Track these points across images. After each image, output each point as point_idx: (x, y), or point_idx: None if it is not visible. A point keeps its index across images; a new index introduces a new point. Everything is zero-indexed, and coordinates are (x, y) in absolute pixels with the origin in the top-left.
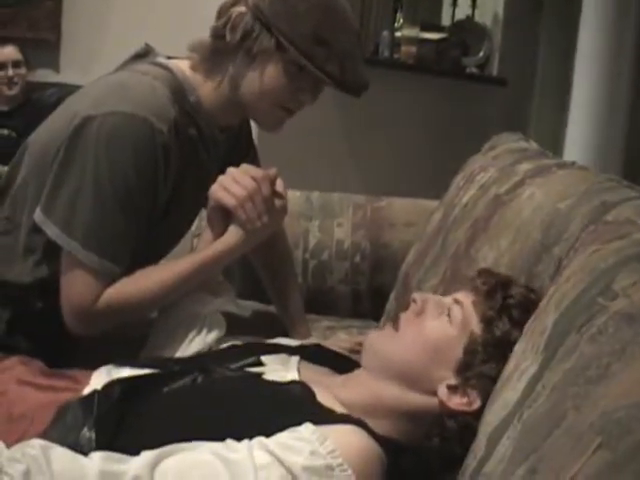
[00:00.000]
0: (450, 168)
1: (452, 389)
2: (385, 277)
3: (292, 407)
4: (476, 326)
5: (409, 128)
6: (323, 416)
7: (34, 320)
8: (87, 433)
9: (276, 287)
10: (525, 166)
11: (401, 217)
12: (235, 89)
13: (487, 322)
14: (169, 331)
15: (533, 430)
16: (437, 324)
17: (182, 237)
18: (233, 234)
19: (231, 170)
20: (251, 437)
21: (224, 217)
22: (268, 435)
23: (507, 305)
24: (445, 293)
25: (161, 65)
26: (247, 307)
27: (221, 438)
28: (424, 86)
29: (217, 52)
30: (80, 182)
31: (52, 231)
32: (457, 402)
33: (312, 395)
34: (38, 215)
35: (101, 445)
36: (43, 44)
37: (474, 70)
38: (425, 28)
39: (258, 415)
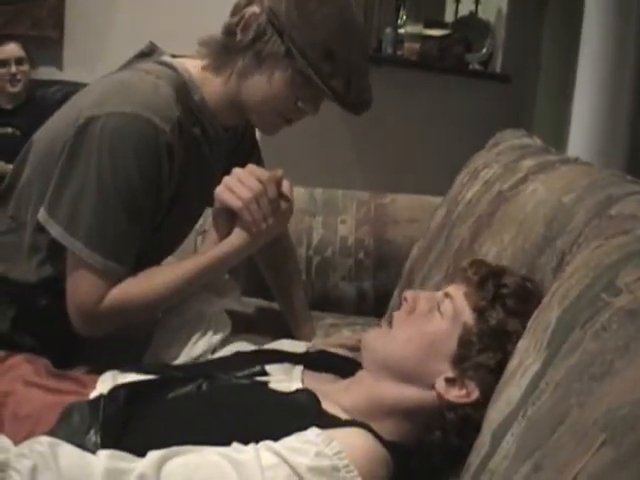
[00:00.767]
0: (454, 164)
1: (450, 382)
2: (389, 274)
3: (298, 414)
4: (469, 317)
5: (412, 125)
6: (329, 421)
7: (39, 318)
8: (93, 437)
9: (280, 285)
10: (529, 162)
11: (405, 213)
12: (239, 88)
13: (480, 312)
14: (174, 331)
15: (537, 427)
16: (430, 319)
17: (186, 236)
18: (238, 236)
19: (237, 171)
20: (257, 442)
21: (230, 218)
22: (274, 440)
23: (500, 294)
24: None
25: (165, 64)
26: (252, 305)
27: (226, 444)
28: (427, 83)
29: (227, 49)
30: (83, 182)
31: (56, 231)
32: (455, 394)
33: (317, 402)
34: (42, 215)
35: (106, 448)
36: (46, 42)
37: (477, 67)
38: (428, 25)
39: (264, 422)
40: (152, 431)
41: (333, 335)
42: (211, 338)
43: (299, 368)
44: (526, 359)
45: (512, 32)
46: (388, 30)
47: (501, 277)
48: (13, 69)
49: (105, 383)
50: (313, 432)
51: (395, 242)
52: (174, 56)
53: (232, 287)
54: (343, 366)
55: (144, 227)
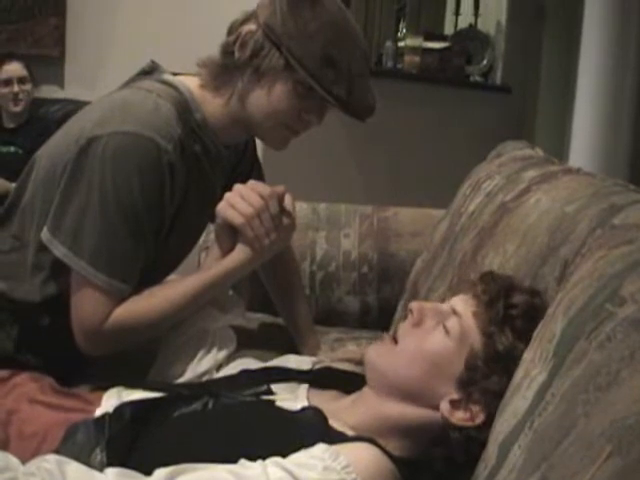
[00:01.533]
0: (456, 177)
1: (455, 404)
2: (393, 287)
3: (305, 431)
4: (477, 340)
5: (414, 137)
6: (335, 437)
7: (42, 337)
8: (99, 455)
9: (283, 300)
10: (531, 173)
11: (408, 227)
12: (242, 106)
13: (488, 336)
14: (179, 348)
15: (544, 438)
16: (435, 337)
17: (188, 253)
18: (241, 252)
19: (238, 187)
20: (264, 460)
21: (232, 234)
22: (282, 458)
23: (509, 316)
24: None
25: (166, 82)
26: (256, 320)
27: (233, 462)
28: (428, 95)
29: (226, 68)
30: (86, 202)
31: (60, 251)
32: (460, 417)
33: (324, 419)
34: (45, 235)
35: (112, 466)
36: (47, 60)
37: (478, 78)
38: (428, 37)
39: (271, 439)
40: (158, 449)
41: (338, 349)
42: (216, 354)
43: (304, 387)
44: (532, 370)
45: (512, 44)
46: (388, 43)
47: (511, 296)
48: (16, 88)
49: (110, 400)
50: (320, 448)
51: (398, 255)
52: (175, 74)
53: (236, 303)
54: (348, 382)
55: (147, 245)
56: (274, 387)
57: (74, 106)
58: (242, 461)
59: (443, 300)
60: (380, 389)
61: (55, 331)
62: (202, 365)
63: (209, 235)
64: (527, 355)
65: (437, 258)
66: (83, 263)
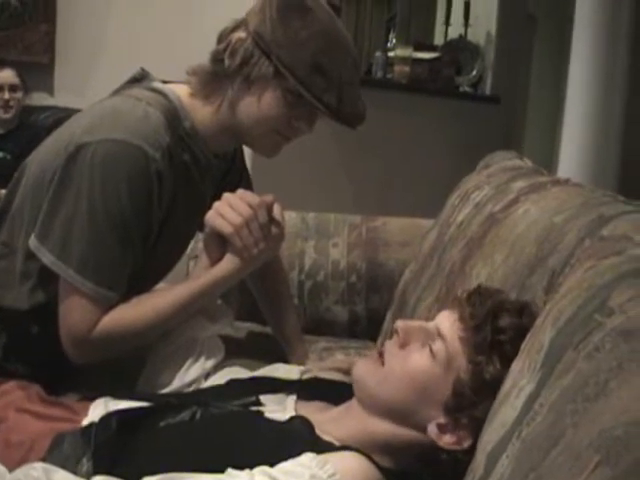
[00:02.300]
0: (445, 187)
1: (442, 428)
2: (381, 297)
3: (293, 441)
4: (463, 367)
5: (403, 147)
6: (323, 446)
7: (30, 345)
8: (85, 464)
9: (272, 309)
10: (520, 184)
11: (396, 236)
12: (232, 114)
13: (475, 364)
14: (167, 357)
15: (532, 448)
16: (422, 361)
17: (177, 261)
18: (229, 262)
19: (227, 196)
20: (252, 469)
21: (221, 243)
22: (269, 467)
23: (497, 341)
24: (439, 312)
25: (156, 90)
26: (245, 329)
27: (221, 471)
28: (418, 105)
29: (216, 76)
30: (74, 209)
31: (47, 258)
32: (447, 441)
33: (312, 428)
34: (33, 242)
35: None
36: (37, 67)
37: (467, 89)
38: (418, 48)
39: (259, 449)
40: (145, 459)
41: (326, 359)
42: (204, 363)
43: (292, 398)
44: (520, 380)
45: (501, 54)
46: (378, 53)
47: (499, 318)
48: (6, 95)
49: (97, 410)
50: (307, 456)
51: (387, 265)
52: (165, 82)
53: (224, 312)
54: (336, 392)
55: (135, 253)
56: (262, 398)
57: (64, 113)
58: (229, 470)
59: (431, 310)
60: (367, 406)
61: (43, 339)
62: (190, 374)
63: (198, 244)
64: (515, 366)
65: (426, 268)
66: (71, 271)
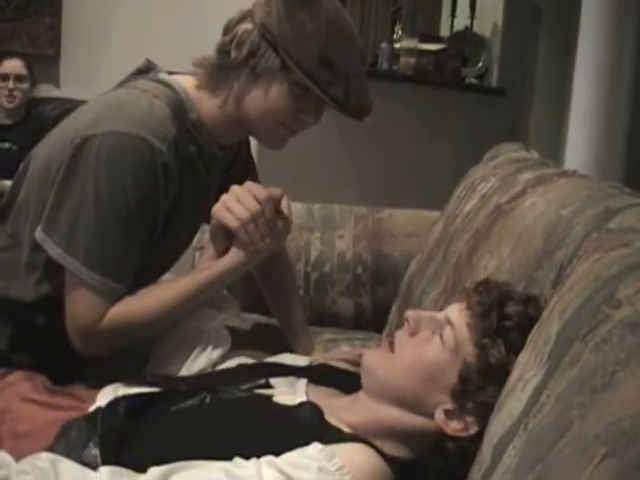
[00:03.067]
0: (451, 178)
1: (449, 414)
2: (387, 288)
3: (301, 428)
4: (470, 352)
5: (409, 139)
6: (331, 435)
7: (36, 336)
8: (92, 450)
9: (277, 300)
10: (526, 175)
11: (402, 228)
12: (238, 106)
13: (481, 348)
14: (174, 347)
15: (538, 440)
16: (431, 348)
17: (183, 252)
18: (235, 255)
19: (234, 189)
20: (259, 457)
21: (227, 236)
22: (277, 455)
23: (503, 327)
24: (446, 303)
25: (162, 82)
26: (251, 321)
27: (229, 458)
28: (423, 97)
29: (222, 68)
30: (81, 201)
31: (54, 250)
32: (454, 427)
33: (321, 415)
34: (39, 234)
35: (106, 462)
36: (43, 59)
37: (473, 81)
38: (424, 39)
39: (267, 436)
40: (154, 444)
41: (332, 350)
42: (211, 354)
43: (303, 381)
44: (527, 372)
45: (507, 46)
46: (384, 45)
47: (505, 306)
48: (11, 85)
49: (106, 396)
50: (315, 447)
51: (393, 257)
52: (171, 73)
53: (231, 302)
54: (346, 381)
55: (141, 245)
56: (273, 381)
57: (69, 105)
58: (236, 460)
59: (437, 302)
60: (376, 394)
61: (49, 331)
62: (197, 364)
63: (203, 235)
64: (522, 357)
65: (432, 260)
66: (77, 263)
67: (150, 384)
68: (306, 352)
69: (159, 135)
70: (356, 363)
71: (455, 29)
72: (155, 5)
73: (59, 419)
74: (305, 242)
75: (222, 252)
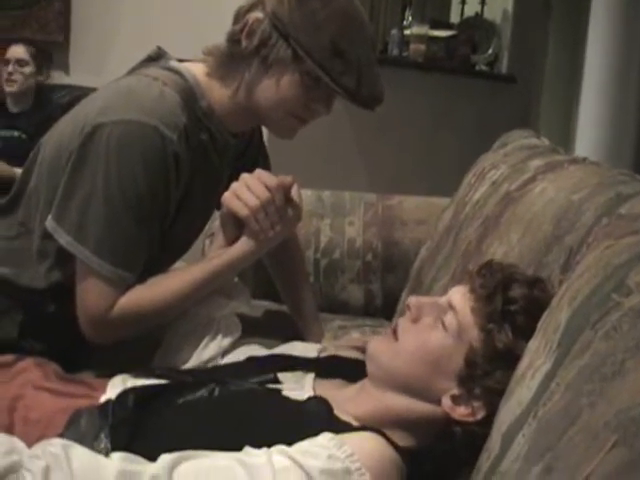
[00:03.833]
0: (461, 165)
1: (456, 399)
2: (397, 275)
3: (310, 421)
4: (475, 337)
5: (419, 126)
6: (340, 427)
7: (47, 323)
8: (103, 441)
9: (288, 287)
10: (536, 162)
11: (412, 215)
12: (249, 96)
13: (487, 333)
14: (184, 335)
15: (548, 428)
16: (434, 334)
17: (195, 240)
18: (245, 243)
19: (245, 177)
20: (269, 447)
21: (237, 224)
22: (287, 446)
23: (508, 311)
24: None
25: (172, 69)
26: (261, 308)
27: (238, 449)
28: (433, 84)
29: (232, 57)
30: (91, 190)
31: (64, 239)
32: (461, 412)
33: (329, 409)
34: (50, 223)
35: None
36: (52, 46)
37: (483, 67)
38: (434, 26)
39: (276, 428)
40: (163, 436)
41: (342, 337)
42: (221, 341)
43: (310, 376)
44: (536, 360)
45: (518, 33)
46: (394, 31)
47: (510, 289)
48: (10, 69)
49: (115, 387)
50: (325, 437)
51: (403, 244)
52: (181, 60)
53: (241, 290)
54: (354, 370)
55: (152, 234)
56: (280, 376)
57: (79, 92)
58: (247, 449)
59: (447, 289)
60: (381, 382)
61: (59, 318)
62: (207, 352)
63: (214, 222)
64: (532, 345)
65: (441, 247)
66: (87, 252)
67: (158, 376)
68: (316, 339)
69: (169, 124)
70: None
71: (465, 15)
72: None
73: (70, 407)
74: (315, 229)
75: (232, 240)
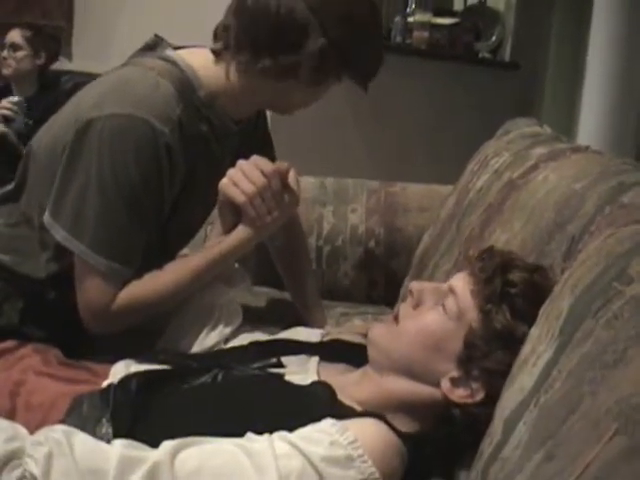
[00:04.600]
0: (464, 153)
1: (455, 381)
2: (399, 262)
3: (313, 406)
4: (474, 318)
5: (422, 113)
6: (343, 412)
7: (47, 311)
8: (104, 426)
9: (291, 274)
10: (539, 150)
11: (415, 202)
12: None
13: (485, 314)
14: (186, 323)
15: (549, 415)
16: (434, 317)
17: (199, 228)
18: (243, 230)
19: (241, 163)
20: (271, 433)
21: (234, 211)
22: (289, 432)
23: (507, 293)
24: None
25: (168, 59)
26: (263, 295)
27: (241, 434)
28: (437, 71)
29: (263, 68)
30: (85, 185)
31: (60, 235)
32: (460, 394)
33: (333, 394)
34: (47, 218)
35: (118, 438)
36: (55, 31)
37: (487, 55)
38: (437, 13)
39: (279, 413)
40: (166, 420)
41: (344, 324)
42: (223, 329)
43: (315, 360)
44: (538, 347)
45: (521, 20)
46: (397, 18)
47: (509, 272)
48: (4, 53)
49: (118, 373)
50: (327, 422)
51: (406, 231)
52: (179, 47)
53: (242, 276)
54: (358, 354)
55: (148, 228)
56: (284, 360)
57: (81, 78)
58: (249, 435)
59: (449, 276)
60: (382, 366)
61: (60, 305)
62: (209, 340)
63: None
64: (534, 331)
65: (444, 234)
66: (83, 247)
67: (162, 362)
68: (319, 326)
69: (161, 116)
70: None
71: (469, 3)
72: None
73: (72, 392)
74: (317, 216)
75: (230, 227)
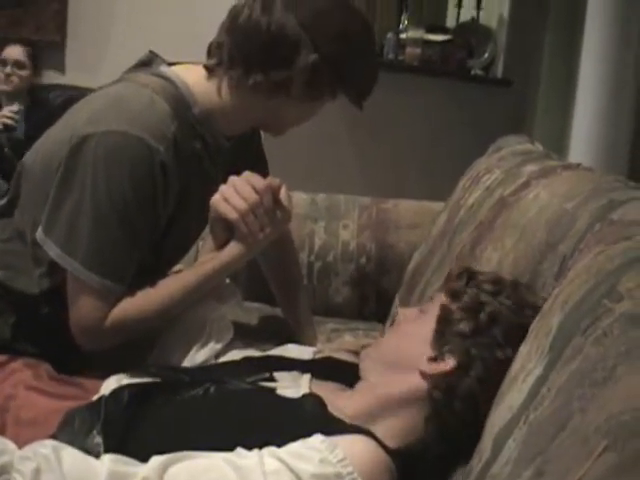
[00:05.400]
0: (455, 170)
1: (432, 360)
2: (391, 279)
3: (304, 419)
4: (444, 299)
5: (414, 130)
6: (333, 427)
7: (40, 326)
8: (95, 438)
9: (282, 290)
10: (530, 168)
11: (407, 219)
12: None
13: (453, 294)
14: (176, 339)
15: (539, 432)
16: (415, 323)
17: (192, 244)
18: (235, 247)
19: (233, 180)
20: (262, 448)
21: (226, 227)
22: (279, 446)
23: (474, 279)
24: None
25: (162, 76)
26: (254, 310)
27: (232, 448)
28: (429, 88)
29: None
30: (79, 202)
31: (54, 252)
32: (434, 367)
33: (324, 407)
34: (39, 235)
35: (109, 450)
36: (49, 46)
37: (479, 72)
38: (430, 30)
39: (270, 427)
40: (157, 433)
41: (335, 340)
42: (214, 345)
43: (307, 377)
44: (528, 364)
45: (513, 37)
46: (390, 35)
47: (478, 272)
48: (8, 70)
49: (109, 388)
50: (317, 439)
51: (397, 247)
52: (175, 63)
53: (232, 292)
54: (349, 373)
55: (141, 245)
56: (276, 375)
57: (74, 92)
58: (239, 450)
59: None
60: (370, 372)
61: (53, 320)
62: (200, 355)
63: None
64: (523, 349)
65: (435, 251)
66: (76, 264)
67: (154, 375)
68: (310, 343)
69: (156, 134)
70: (359, 354)
71: (461, 20)
72: None
73: (63, 408)
74: (309, 231)
75: (222, 243)
